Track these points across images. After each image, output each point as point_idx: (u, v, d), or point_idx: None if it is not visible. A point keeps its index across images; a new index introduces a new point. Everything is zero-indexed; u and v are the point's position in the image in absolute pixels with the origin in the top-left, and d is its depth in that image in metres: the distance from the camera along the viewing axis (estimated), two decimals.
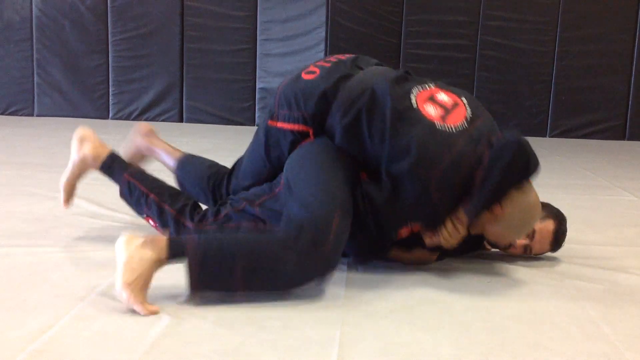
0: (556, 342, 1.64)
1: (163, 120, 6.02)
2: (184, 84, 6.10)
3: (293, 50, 5.98)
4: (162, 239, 1.75)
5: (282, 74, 6.03)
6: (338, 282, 1.99)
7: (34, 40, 6.05)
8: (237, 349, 1.52)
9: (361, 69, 2.11)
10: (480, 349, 1.58)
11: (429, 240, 2.01)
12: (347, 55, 2.19)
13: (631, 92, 6.12)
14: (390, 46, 6.06)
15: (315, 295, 1.87)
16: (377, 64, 2.19)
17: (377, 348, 1.56)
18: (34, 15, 6.02)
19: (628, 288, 2.07)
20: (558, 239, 2.25)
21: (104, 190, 2.85)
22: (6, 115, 6.08)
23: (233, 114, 6.11)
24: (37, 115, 6.09)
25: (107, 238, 2.31)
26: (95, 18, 6.01)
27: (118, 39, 6.03)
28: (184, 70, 6.08)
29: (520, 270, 2.19)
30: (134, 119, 6.03)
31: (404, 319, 1.75)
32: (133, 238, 1.73)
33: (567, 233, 2.32)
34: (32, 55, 6.06)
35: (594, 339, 1.67)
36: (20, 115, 6.09)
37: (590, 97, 6.13)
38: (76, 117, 6.00)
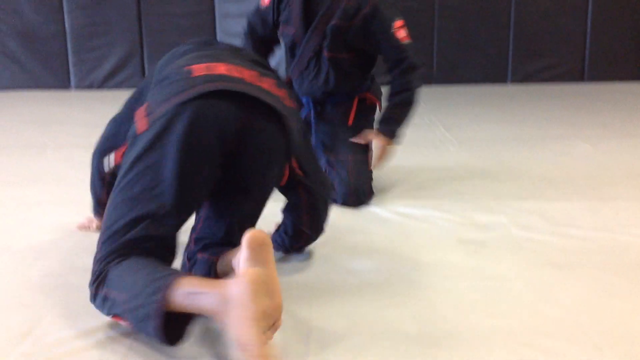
0: (511, 308, 1.76)
1: (127, 87, 5.98)
2: (144, 49, 6.05)
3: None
4: None
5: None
6: (303, 263, 2.09)
7: None
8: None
9: None
10: (445, 325, 1.69)
11: None
12: None
13: (588, 34, 6.22)
14: None
15: (282, 279, 1.97)
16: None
17: (343, 326, 1.66)
18: None
19: (579, 247, 2.20)
20: None
21: (67, 190, 2.87)
22: None
23: None
24: None
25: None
26: None
27: (74, 7, 5.93)
28: (144, 35, 6.02)
29: (479, 235, 2.30)
30: (97, 88, 5.99)
31: (370, 295, 1.85)
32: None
33: (526, 190, 2.77)
34: None
35: (550, 304, 1.79)
36: None
37: (549, 40, 6.20)
38: (37, 88, 5.95)
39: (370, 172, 2.79)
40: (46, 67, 6.02)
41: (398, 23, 2.70)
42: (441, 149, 3.67)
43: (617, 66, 6.23)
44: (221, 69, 1.75)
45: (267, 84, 1.78)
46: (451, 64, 6.20)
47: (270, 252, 1.50)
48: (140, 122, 1.71)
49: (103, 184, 2.06)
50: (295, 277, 1.97)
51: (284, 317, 1.68)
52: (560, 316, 1.72)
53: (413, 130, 4.19)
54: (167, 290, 1.45)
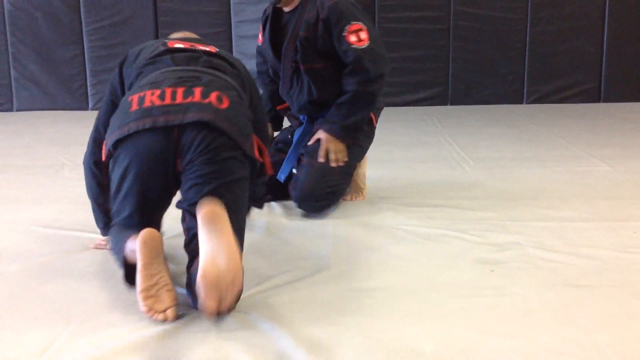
0: (527, 328, 1.74)
1: None
2: None
3: None
4: None
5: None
6: (318, 281, 2.08)
7: (8, 34, 6.03)
8: (228, 356, 1.61)
9: None
10: (460, 344, 1.68)
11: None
12: None
13: (604, 54, 6.21)
14: None
15: (298, 298, 1.96)
16: None
17: (358, 345, 1.65)
18: (5, 9, 5.99)
19: (596, 268, 2.17)
20: None
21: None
22: None
23: None
24: (17, 110, 6.09)
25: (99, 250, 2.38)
26: (67, 8, 5.99)
27: (92, 29, 6.01)
28: None
29: (495, 255, 2.29)
30: None
31: (385, 314, 1.84)
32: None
33: (542, 210, 2.75)
34: (7, 49, 6.04)
35: (566, 324, 1.77)
36: (0, 111, 6.08)
37: (565, 61, 6.21)
38: (56, 109, 6.01)
39: (333, 180, 2.79)
40: (65, 89, 6.09)
41: (353, 26, 2.73)
42: (457, 168, 3.66)
43: (634, 87, 6.21)
44: (153, 97, 1.91)
45: (197, 95, 1.92)
46: (467, 85, 6.21)
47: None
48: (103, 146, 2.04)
49: (102, 190, 2.16)
50: (309, 296, 1.97)
51: (298, 334, 1.67)
52: (577, 337, 1.70)
53: (428, 149, 4.19)
54: (124, 249, 1.85)
